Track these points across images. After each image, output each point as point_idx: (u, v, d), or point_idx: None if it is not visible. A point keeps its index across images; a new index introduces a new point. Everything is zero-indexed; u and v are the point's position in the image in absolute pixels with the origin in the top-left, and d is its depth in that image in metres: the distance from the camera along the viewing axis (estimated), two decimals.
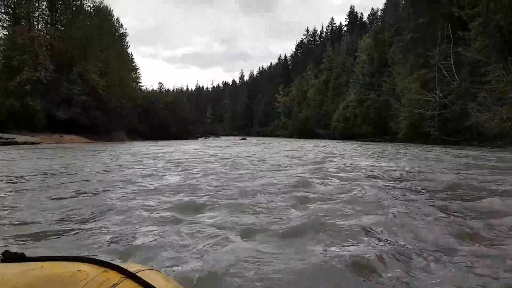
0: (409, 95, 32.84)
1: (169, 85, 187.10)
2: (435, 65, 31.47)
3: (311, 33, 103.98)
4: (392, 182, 7.34)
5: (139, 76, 79.78)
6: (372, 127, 44.25)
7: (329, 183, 7.16)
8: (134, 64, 79.25)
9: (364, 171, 9.45)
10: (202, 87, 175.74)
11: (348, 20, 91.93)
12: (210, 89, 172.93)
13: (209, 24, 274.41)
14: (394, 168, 9.89)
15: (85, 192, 6.25)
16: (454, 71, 30.10)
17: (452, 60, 30.28)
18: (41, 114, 40.77)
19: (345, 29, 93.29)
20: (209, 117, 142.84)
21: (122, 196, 5.73)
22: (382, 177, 8.12)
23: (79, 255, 0.91)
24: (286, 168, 10.09)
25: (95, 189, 6.60)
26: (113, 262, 0.83)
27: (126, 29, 68.58)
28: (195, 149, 22.48)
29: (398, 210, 4.55)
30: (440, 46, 31.69)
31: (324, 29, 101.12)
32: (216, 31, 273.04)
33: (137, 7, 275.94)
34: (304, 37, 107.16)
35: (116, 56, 54.31)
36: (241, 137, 69.32)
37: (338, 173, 8.89)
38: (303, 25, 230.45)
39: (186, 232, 3.63)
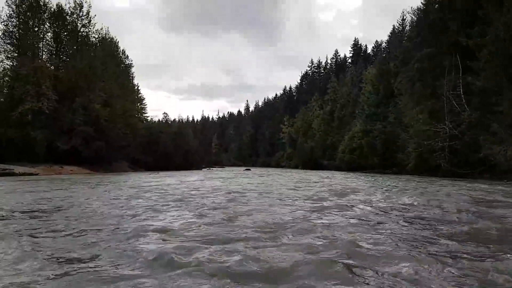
0: (418, 126, 31.94)
1: (176, 116, 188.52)
2: (443, 95, 30.70)
3: (316, 65, 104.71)
4: (421, 228, 6.29)
5: (145, 106, 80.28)
6: (379, 159, 43.16)
7: (350, 226, 6.13)
8: (140, 95, 79.87)
9: (391, 210, 8.39)
10: (208, 117, 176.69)
11: (352, 52, 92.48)
12: (216, 119, 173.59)
13: (214, 57, 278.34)
14: (419, 208, 8.84)
15: (70, 234, 5.61)
16: (464, 101, 29.27)
17: (461, 89, 29.51)
18: (42, 144, 40.23)
19: (349, 60, 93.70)
20: (214, 147, 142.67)
21: (108, 239, 5.24)
22: (409, 221, 7.06)
23: None
24: (297, 206, 9.05)
25: (81, 230, 5.92)
26: None
27: (131, 60, 69.19)
28: (194, 181, 21.46)
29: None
30: (448, 76, 31.00)
31: (329, 61, 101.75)
32: (222, 63, 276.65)
33: (144, 40, 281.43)
34: (308, 68, 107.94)
35: (120, 86, 54.30)
36: (245, 168, 68.29)
37: (359, 209, 7.86)
38: (307, 57, 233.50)
39: None
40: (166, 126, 67.48)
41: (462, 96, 29.66)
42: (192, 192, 13.14)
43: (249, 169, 60.77)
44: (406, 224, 6.57)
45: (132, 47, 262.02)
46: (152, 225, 6.25)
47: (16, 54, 44.81)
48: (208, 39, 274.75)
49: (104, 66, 51.06)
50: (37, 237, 5.33)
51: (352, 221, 6.76)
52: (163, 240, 5.10)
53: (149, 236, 5.33)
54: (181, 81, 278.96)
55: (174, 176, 30.08)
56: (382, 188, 15.80)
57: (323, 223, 6.48)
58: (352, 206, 9.08)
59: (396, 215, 7.59)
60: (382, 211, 8.25)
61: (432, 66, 32.21)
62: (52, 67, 47.67)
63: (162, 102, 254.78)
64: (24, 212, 8.02)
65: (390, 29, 68.50)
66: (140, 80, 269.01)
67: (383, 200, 10.53)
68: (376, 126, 43.74)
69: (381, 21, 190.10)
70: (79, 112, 43.58)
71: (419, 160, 32.59)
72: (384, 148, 42.57)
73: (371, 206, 9.07)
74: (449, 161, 30.45)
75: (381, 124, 43.14)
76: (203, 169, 63.18)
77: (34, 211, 8.14)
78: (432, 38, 32.59)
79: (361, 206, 9.01)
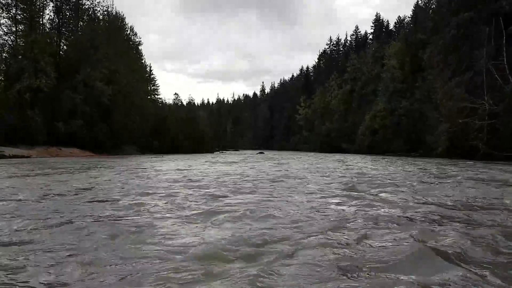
0: (452, 102, 27.92)
1: (187, 97, 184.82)
2: (483, 66, 26.60)
3: (335, 42, 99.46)
4: None
5: (157, 88, 77.15)
6: (404, 140, 39.17)
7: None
8: (152, 75, 76.70)
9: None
10: (223, 100, 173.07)
11: (374, 27, 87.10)
12: (231, 102, 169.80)
13: (231, 40, 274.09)
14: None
15: None
16: (508, 72, 25.18)
17: (505, 59, 25.38)
18: (41, 126, 37.58)
19: (370, 37, 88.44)
20: (229, 130, 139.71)
21: None
22: None
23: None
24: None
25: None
26: None
27: (140, 38, 65.88)
28: (192, 166, 18.33)
29: None
30: (489, 44, 26.84)
31: (349, 38, 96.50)
32: (239, 47, 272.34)
33: (162, 24, 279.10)
34: (327, 46, 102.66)
35: (127, 64, 51.11)
36: (258, 151, 65.07)
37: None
38: (325, 40, 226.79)
39: None
40: (176, 108, 64.35)
41: (506, 66, 25.55)
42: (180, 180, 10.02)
43: (262, 152, 57.68)
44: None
45: (149, 31, 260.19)
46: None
47: (14, 29, 42.13)
48: (225, 22, 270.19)
49: (107, 41, 48.03)
50: None
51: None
52: None
53: None
54: (198, 65, 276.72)
55: (178, 160, 27.30)
56: (416, 175, 12.36)
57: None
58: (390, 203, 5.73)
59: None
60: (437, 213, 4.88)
61: (470, 33, 27.98)
62: (54, 43, 44.92)
63: (179, 85, 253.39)
64: None
65: (413, 3, 62.72)
66: (159, 65, 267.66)
67: (422, 195, 7.12)
68: (401, 104, 39.54)
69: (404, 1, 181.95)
70: (80, 89, 40.73)
71: (452, 142, 28.69)
72: (410, 128, 38.58)
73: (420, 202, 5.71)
74: (487, 142, 26.52)
75: (407, 101, 38.94)
76: (215, 153, 60.25)
77: None
78: (470, 1, 28.29)
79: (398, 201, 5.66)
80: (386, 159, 28.27)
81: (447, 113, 29.05)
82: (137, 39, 64.24)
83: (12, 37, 41.70)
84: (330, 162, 23.67)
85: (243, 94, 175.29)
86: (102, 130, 41.50)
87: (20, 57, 39.87)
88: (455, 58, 28.54)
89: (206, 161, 24.36)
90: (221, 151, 69.89)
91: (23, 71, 38.01)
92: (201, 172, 13.73)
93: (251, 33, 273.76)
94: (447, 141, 29.48)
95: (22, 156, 29.78)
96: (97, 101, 41.58)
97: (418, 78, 38.25)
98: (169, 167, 16.82)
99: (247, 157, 33.06)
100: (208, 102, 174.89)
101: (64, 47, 46.44)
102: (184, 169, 15.40)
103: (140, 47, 65.07)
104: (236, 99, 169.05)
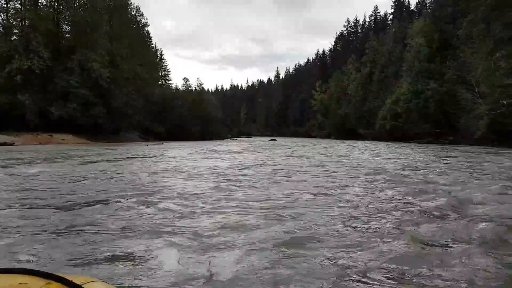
0: (493, 79, 23.76)
1: (208, 85, 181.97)
2: None
3: (352, 24, 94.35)
4: None
5: (168, 73, 74.21)
6: (432, 125, 34.99)
7: None
8: (163, 60, 73.71)
9: None
10: (237, 86, 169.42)
11: (394, 7, 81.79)
12: (245, 88, 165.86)
13: (245, 26, 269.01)
14: None
15: None
16: None
17: None
18: (32, 111, 34.58)
19: (390, 17, 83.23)
20: (243, 116, 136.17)
21: None
22: None
23: (21, 267, 0.77)
24: None
25: None
26: (57, 274, 0.75)
27: (147, 19, 62.32)
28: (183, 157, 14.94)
29: None
30: None
31: (367, 19, 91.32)
32: (253, 32, 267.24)
33: (176, 11, 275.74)
34: (344, 28, 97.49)
35: (131, 47, 47.56)
36: (270, 138, 61.38)
37: None
38: (341, 23, 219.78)
39: None
40: (183, 93, 60.82)
41: None
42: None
43: (275, 139, 54.05)
44: None
45: (164, 18, 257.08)
46: None
47: (5, 6, 38.98)
48: (238, 10, 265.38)
49: (108, 21, 44.66)
50: None
51: None
52: None
53: None
54: (212, 52, 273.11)
55: (176, 148, 24.06)
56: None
57: None
58: None
59: None
60: None
61: None
62: (50, 21, 41.64)
63: (193, 73, 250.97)
64: None
65: None
66: (172, 52, 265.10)
67: None
68: (429, 85, 35.10)
69: None
70: (76, 72, 37.53)
71: (494, 126, 24.60)
72: (439, 112, 34.37)
73: None
74: None
75: (436, 82, 34.55)
76: (225, 140, 56.86)
77: None
78: None
79: None
80: (416, 147, 24.44)
81: (488, 92, 24.90)
82: (143, 20, 60.80)
83: (3, 15, 38.64)
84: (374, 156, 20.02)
85: (257, 80, 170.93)
86: (100, 114, 38.32)
87: (13, 37, 36.91)
88: (497, 27, 24.26)
89: (214, 150, 20.95)
90: (232, 138, 66.58)
91: (14, 52, 34.98)
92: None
93: (265, 17, 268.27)
94: (486, 126, 25.38)
95: (4, 144, 26.68)
96: (94, 84, 38.38)
97: (449, 57, 33.88)
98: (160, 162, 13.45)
99: (254, 146, 29.58)
100: (222, 88, 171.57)
101: (64, 26, 43.20)
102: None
103: (146, 29, 61.76)
104: (250, 85, 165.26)
